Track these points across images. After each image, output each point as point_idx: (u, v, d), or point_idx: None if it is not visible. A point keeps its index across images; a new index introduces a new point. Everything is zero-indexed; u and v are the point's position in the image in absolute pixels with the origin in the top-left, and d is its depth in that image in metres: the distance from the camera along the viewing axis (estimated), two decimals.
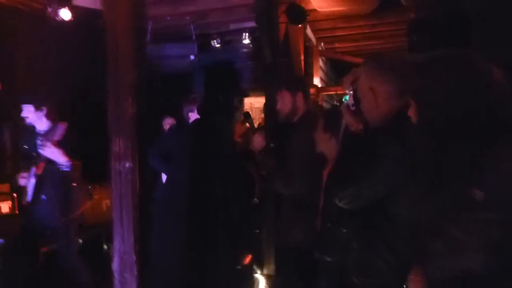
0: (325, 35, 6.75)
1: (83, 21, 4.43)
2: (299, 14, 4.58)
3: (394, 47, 6.57)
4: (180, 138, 2.54)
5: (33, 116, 3.34)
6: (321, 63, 7.32)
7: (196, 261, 2.23)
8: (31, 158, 3.38)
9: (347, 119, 1.86)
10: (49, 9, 4.29)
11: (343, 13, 5.47)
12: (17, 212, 3.76)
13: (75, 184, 3.40)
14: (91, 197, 3.60)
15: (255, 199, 3.23)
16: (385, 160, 1.54)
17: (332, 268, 2.05)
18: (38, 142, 3.35)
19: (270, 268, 3.14)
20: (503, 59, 1.24)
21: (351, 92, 1.80)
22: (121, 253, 1.48)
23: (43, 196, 3.34)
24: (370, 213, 1.62)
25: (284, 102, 2.77)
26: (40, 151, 3.14)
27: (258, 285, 3.16)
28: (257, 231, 3.30)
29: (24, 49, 4.66)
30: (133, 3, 1.49)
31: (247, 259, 2.67)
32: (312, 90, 6.12)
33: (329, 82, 8.19)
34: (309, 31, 6.26)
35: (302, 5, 4.75)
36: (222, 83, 2.46)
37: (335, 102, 7.77)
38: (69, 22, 4.37)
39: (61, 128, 3.13)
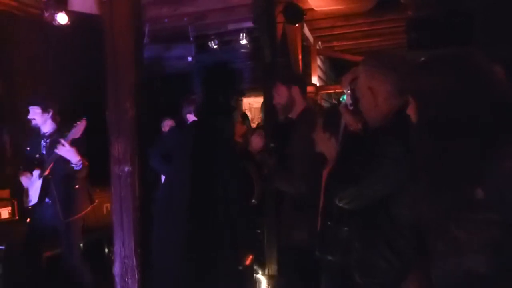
0: (323, 34, 6.74)
1: (80, 23, 4.42)
2: (296, 14, 4.57)
3: (393, 44, 6.57)
4: (180, 138, 2.54)
5: (40, 118, 3.36)
6: (319, 62, 7.31)
7: (196, 261, 2.23)
8: (34, 160, 3.38)
9: (346, 119, 1.85)
10: (46, 14, 4.30)
11: (341, 11, 5.46)
12: (17, 217, 3.75)
13: (78, 186, 3.41)
14: (92, 200, 3.59)
15: (253, 201, 3.23)
16: (385, 160, 1.53)
17: (333, 267, 2.04)
18: (43, 143, 3.37)
19: (271, 268, 3.14)
20: (504, 58, 1.23)
21: (349, 91, 1.79)
22: (122, 257, 1.48)
23: (47, 199, 3.35)
24: (371, 213, 1.61)
25: (280, 95, 2.77)
26: (56, 150, 3.14)
27: (259, 285, 3.15)
28: (258, 231, 3.30)
29: (23, 52, 4.65)
30: (131, 4, 1.48)
31: (248, 259, 2.67)
32: (311, 89, 6.11)
33: (328, 81, 8.18)
34: (306, 30, 6.25)
35: (299, 4, 4.74)
36: (220, 83, 2.46)
37: (333, 101, 7.76)
38: (68, 24, 4.38)
39: (81, 126, 3.13)
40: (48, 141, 3.37)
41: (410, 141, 1.42)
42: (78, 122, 3.13)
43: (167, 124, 4.46)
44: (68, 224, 3.31)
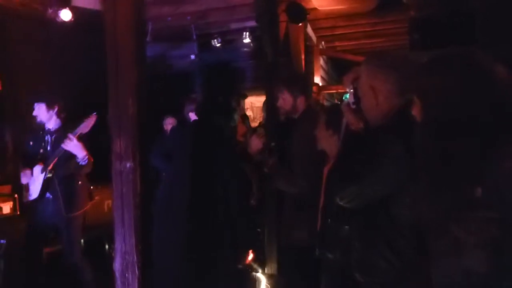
0: (325, 34, 6.74)
1: (83, 21, 4.43)
2: (299, 13, 4.57)
3: (396, 45, 6.56)
4: (181, 137, 2.54)
5: (45, 114, 3.36)
6: (321, 61, 7.31)
7: (196, 261, 2.23)
8: (37, 155, 3.39)
9: (347, 118, 1.85)
10: (50, 11, 4.30)
11: (343, 11, 5.45)
12: (18, 213, 3.76)
13: (81, 182, 3.41)
14: (92, 197, 3.60)
15: (252, 201, 3.24)
16: (385, 159, 1.53)
17: (333, 266, 2.04)
18: (48, 138, 3.37)
19: (272, 268, 3.14)
20: (506, 58, 1.23)
21: (352, 90, 1.79)
22: (122, 253, 1.48)
23: (48, 194, 3.35)
24: (372, 212, 1.61)
25: (285, 102, 2.77)
26: (62, 145, 3.14)
27: (259, 284, 3.16)
28: (259, 230, 3.30)
29: (25, 49, 4.66)
30: (133, 3, 1.49)
31: (248, 259, 2.67)
32: (313, 89, 6.12)
33: (330, 80, 8.18)
34: (309, 30, 6.24)
35: (302, 3, 4.74)
36: (222, 83, 2.46)
37: (336, 101, 7.76)
38: (70, 22, 4.38)
39: (91, 121, 3.13)
40: (53, 136, 3.38)
41: (411, 141, 1.42)
42: (88, 117, 3.13)
43: (169, 122, 4.48)
44: (69, 220, 3.32)
